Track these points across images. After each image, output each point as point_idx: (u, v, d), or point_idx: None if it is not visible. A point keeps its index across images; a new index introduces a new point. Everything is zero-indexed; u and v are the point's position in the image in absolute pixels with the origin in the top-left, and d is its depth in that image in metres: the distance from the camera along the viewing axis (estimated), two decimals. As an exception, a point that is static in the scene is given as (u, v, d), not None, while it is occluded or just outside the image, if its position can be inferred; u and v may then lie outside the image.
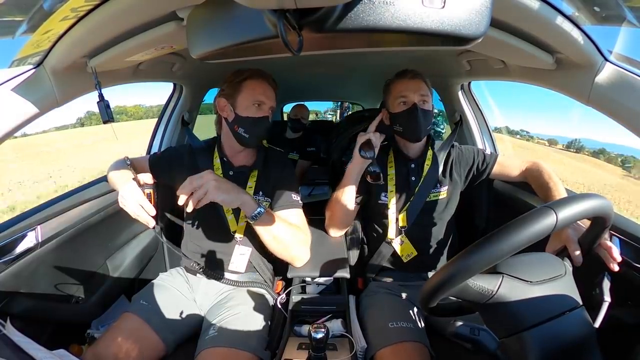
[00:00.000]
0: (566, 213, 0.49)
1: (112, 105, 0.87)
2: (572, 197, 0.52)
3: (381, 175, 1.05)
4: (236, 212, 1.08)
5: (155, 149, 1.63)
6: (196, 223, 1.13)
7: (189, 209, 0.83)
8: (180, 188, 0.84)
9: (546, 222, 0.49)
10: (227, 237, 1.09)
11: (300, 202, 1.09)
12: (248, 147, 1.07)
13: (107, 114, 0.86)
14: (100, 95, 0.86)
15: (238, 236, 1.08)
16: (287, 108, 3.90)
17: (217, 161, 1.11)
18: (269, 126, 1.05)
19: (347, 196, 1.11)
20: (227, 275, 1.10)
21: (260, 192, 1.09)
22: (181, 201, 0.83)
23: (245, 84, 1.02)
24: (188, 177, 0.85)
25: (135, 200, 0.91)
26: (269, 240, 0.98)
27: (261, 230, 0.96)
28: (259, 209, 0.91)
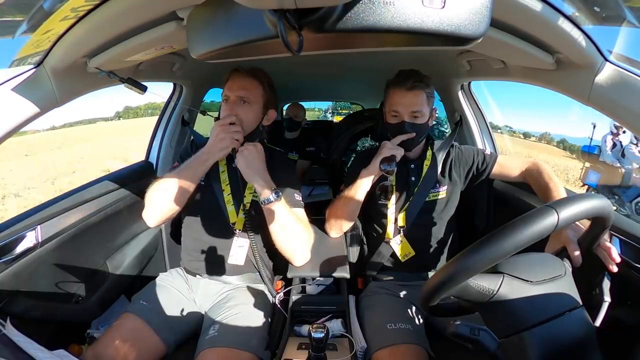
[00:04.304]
0: (568, 212, 0.50)
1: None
2: (574, 197, 0.53)
3: (389, 189, 1.03)
4: (236, 203, 1.08)
5: (155, 149, 1.63)
6: (196, 214, 1.12)
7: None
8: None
9: (548, 221, 0.49)
10: (226, 228, 1.08)
11: (302, 202, 1.09)
12: None
13: (140, 87, 0.93)
14: (121, 79, 0.90)
15: (237, 228, 1.08)
16: (287, 108, 3.91)
17: None
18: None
19: (354, 202, 1.10)
20: (227, 270, 1.10)
21: None
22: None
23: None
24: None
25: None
26: (276, 230, 0.97)
27: (270, 218, 0.96)
28: (269, 196, 0.93)
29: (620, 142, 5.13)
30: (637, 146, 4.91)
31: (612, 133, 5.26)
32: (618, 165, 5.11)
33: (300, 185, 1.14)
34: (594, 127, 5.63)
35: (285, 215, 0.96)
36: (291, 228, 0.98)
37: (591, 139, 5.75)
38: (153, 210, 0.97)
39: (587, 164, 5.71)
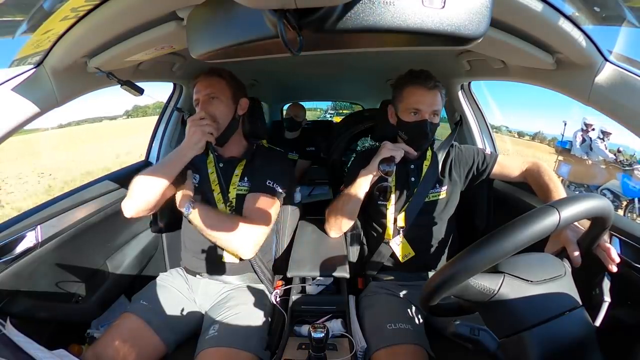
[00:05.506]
0: (569, 212, 0.50)
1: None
2: (575, 197, 0.53)
3: (388, 190, 1.02)
4: (225, 198, 1.08)
5: (155, 149, 1.63)
6: None
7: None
8: None
9: (549, 220, 0.49)
10: None
11: (278, 190, 1.07)
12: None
13: (137, 89, 0.97)
14: (119, 81, 0.92)
15: None
16: (287, 108, 3.90)
17: (210, 155, 1.13)
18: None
19: (353, 202, 1.10)
20: (226, 269, 1.10)
21: (245, 178, 1.11)
22: None
23: None
24: None
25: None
26: (206, 237, 1.01)
27: (196, 227, 1.00)
28: (183, 209, 0.98)
29: (590, 137, 5.82)
30: (603, 141, 5.64)
31: (582, 130, 5.98)
32: (586, 157, 5.89)
33: (286, 177, 1.13)
34: (565, 124, 6.75)
35: (206, 221, 0.98)
36: (217, 230, 0.98)
37: (563, 134, 6.76)
38: (132, 202, 0.98)
39: (561, 157, 6.52)
